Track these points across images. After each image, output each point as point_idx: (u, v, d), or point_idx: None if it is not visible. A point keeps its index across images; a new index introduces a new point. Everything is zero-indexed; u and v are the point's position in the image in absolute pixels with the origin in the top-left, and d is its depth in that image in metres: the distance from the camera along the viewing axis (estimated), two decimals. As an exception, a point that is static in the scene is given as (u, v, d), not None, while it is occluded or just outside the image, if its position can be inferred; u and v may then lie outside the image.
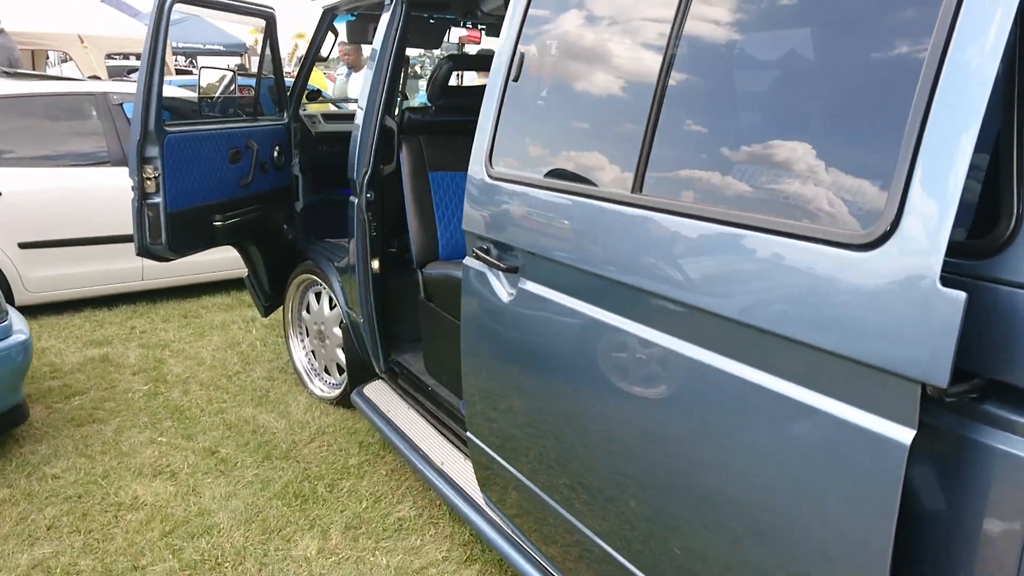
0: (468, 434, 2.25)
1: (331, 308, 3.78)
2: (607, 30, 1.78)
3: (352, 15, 4.05)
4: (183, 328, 4.91)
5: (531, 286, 1.85)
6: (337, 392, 3.77)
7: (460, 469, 2.66)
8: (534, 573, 2.11)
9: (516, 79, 1.96)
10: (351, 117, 5.25)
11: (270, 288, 4.22)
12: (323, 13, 3.90)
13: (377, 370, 3.38)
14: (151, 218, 3.26)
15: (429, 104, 3.41)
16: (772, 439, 1.25)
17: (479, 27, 4.52)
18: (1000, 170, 1.04)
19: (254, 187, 3.90)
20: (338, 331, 3.73)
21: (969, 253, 1.06)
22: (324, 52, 4.17)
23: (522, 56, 1.95)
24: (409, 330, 3.48)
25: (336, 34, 4.09)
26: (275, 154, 4.03)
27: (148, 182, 3.20)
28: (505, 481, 2.12)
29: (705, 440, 1.40)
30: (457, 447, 2.79)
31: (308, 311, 3.98)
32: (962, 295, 0.98)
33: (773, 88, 1.35)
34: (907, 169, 1.04)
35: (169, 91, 3.80)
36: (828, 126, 1.22)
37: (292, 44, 14.48)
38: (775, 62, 1.36)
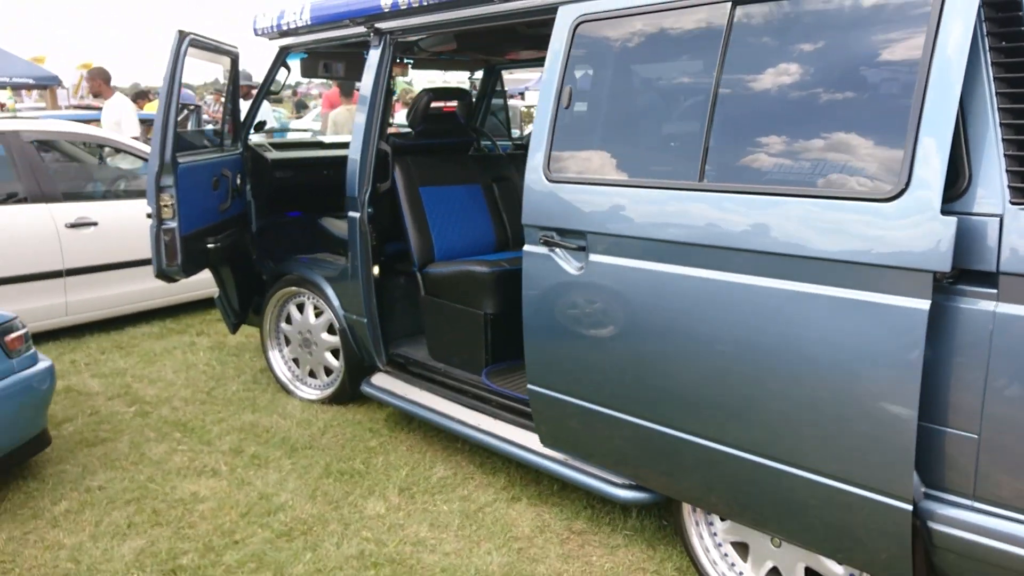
0: (530, 386, 2.83)
1: (316, 317, 4.18)
2: (646, 63, 2.47)
3: (304, 53, 4.47)
4: (127, 357, 5.01)
5: (598, 257, 2.50)
6: (330, 391, 4.16)
7: (495, 426, 3.22)
8: (583, 479, 2.75)
9: (567, 107, 2.60)
10: (301, 146, 5.63)
11: (239, 306, 4.52)
12: (279, 51, 4.30)
13: (379, 364, 3.84)
14: (167, 242, 3.54)
15: (409, 129, 3.94)
16: (842, 328, 1.97)
17: (406, 61, 5.09)
18: (959, 150, 1.84)
19: (229, 212, 4.23)
20: (326, 336, 4.14)
21: (946, 199, 1.85)
22: (276, 87, 4.56)
23: (571, 89, 2.60)
24: (400, 327, 3.97)
25: (289, 70, 4.50)
26: (238, 181, 4.36)
27: (165, 209, 3.48)
28: (565, 413, 2.71)
29: (759, 335, 2.10)
30: (481, 411, 3.33)
31: (289, 322, 4.34)
32: (954, 218, 1.76)
33: (813, 98, 2.09)
34: (911, 152, 1.82)
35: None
36: (860, 125, 1.98)
37: (77, 75, 14.00)
38: (816, 78, 2.09)
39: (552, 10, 2.73)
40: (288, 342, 4.40)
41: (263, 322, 4.44)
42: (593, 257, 2.51)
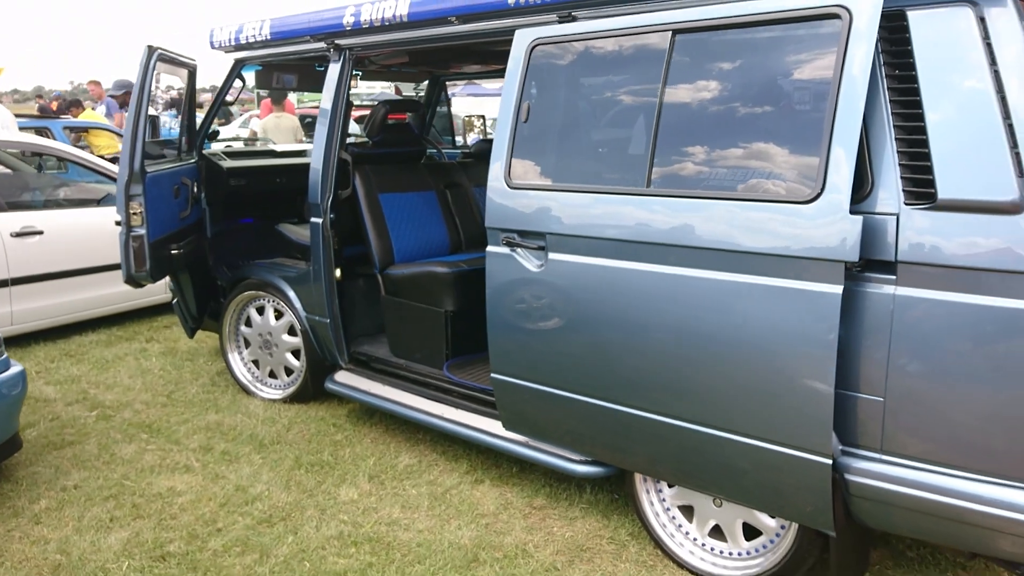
0: (494, 375, 3.09)
1: (277, 319, 4.35)
2: (596, 81, 2.78)
3: (259, 65, 4.63)
4: (79, 365, 5.05)
5: (557, 256, 2.78)
6: (292, 390, 4.33)
7: (458, 415, 3.47)
8: (544, 458, 3.03)
9: (526, 121, 2.89)
10: (254, 154, 5.76)
11: (197, 311, 4.64)
12: (234, 63, 4.46)
13: (342, 362, 4.04)
14: (136, 249, 3.67)
15: (367, 139, 4.17)
16: (770, 311, 2.30)
17: (355, 73, 5.29)
18: (863, 159, 2.20)
19: (188, 220, 4.36)
20: (287, 337, 4.31)
21: (853, 201, 2.20)
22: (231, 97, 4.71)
23: (528, 105, 2.89)
24: (360, 326, 4.19)
25: (244, 82, 4.66)
26: (195, 189, 4.49)
27: (134, 216, 3.61)
28: (526, 398, 2.99)
29: (700, 321, 2.43)
30: (444, 402, 3.58)
31: (249, 325, 4.49)
32: (861, 217, 2.11)
33: (744, 114, 2.42)
34: (825, 161, 2.17)
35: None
36: (784, 142, 2.32)
37: None
38: (745, 97, 2.42)
39: (509, 32, 3.01)
40: (248, 344, 4.54)
41: (222, 326, 4.57)
42: (552, 256, 2.80)
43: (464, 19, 3.21)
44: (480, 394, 3.44)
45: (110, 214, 5.62)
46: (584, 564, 2.82)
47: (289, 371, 4.38)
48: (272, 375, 4.48)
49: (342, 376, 4.01)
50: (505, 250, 2.94)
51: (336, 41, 3.77)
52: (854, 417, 2.29)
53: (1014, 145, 2.00)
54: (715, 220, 2.39)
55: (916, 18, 2.16)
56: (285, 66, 4.68)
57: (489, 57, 4.62)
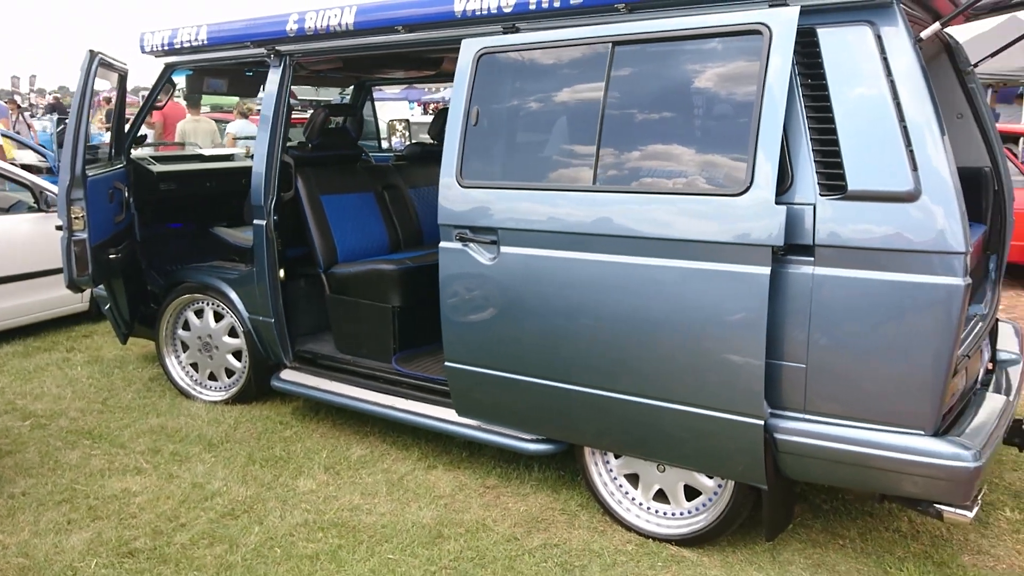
0: (448, 364, 3.27)
1: (216, 321, 4.38)
2: (542, 88, 3.02)
3: (190, 70, 4.65)
4: (-1, 376, 4.91)
5: (509, 249, 3.01)
6: (234, 391, 4.37)
7: (409, 405, 3.64)
8: (497, 439, 3.24)
9: (475, 124, 3.10)
10: (183, 159, 5.73)
11: (130, 316, 4.60)
12: (164, 67, 4.47)
13: (286, 360, 4.13)
14: (78, 253, 3.65)
15: (307, 142, 4.27)
16: (708, 291, 2.59)
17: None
18: (785, 158, 2.52)
19: (121, 224, 4.34)
20: (228, 339, 4.35)
21: (777, 193, 2.52)
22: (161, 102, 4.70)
23: (478, 110, 3.10)
24: (303, 325, 4.28)
25: (174, 86, 4.67)
26: (126, 194, 4.48)
27: (76, 220, 3.60)
28: (480, 384, 3.19)
29: (646, 303, 2.71)
30: (394, 394, 3.74)
31: (187, 329, 4.50)
32: (784, 207, 2.43)
33: (682, 117, 2.70)
34: (752, 159, 2.47)
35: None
36: (716, 143, 2.62)
37: None
38: (682, 102, 2.71)
39: (455, 42, 3.22)
40: (186, 348, 4.55)
41: (159, 330, 4.56)
42: (504, 249, 3.02)
43: (411, 28, 3.39)
44: (431, 384, 3.61)
45: (17, 222, 5.49)
46: (541, 533, 3.05)
47: (230, 373, 4.42)
48: (212, 377, 4.50)
49: (288, 374, 4.09)
50: (458, 245, 3.14)
51: (277, 47, 3.87)
52: (781, 383, 2.61)
53: (908, 143, 2.36)
54: (657, 213, 2.67)
55: (824, 34, 2.50)
56: (216, 71, 4.72)
57: (419, 64, 4.80)
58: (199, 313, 4.45)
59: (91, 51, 3.65)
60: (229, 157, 5.82)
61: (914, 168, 2.34)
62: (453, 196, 3.13)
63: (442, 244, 3.19)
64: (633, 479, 3.13)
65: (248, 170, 5.18)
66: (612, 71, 2.80)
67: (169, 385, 4.61)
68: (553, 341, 2.96)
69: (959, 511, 2.51)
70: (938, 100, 3.38)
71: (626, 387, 2.84)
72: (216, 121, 9.92)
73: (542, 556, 2.90)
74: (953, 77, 3.42)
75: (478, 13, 3.14)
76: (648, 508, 3.08)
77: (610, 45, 2.80)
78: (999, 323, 3.73)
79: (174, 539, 3.01)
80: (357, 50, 3.70)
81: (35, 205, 5.65)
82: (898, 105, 2.38)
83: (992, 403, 2.89)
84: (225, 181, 5.25)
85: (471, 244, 3.10)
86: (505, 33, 3.11)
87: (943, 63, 3.41)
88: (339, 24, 3.56)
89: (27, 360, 5.22)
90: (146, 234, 4.74)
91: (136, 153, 4.87)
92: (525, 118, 3.08)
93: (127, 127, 4.58)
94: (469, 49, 3.14)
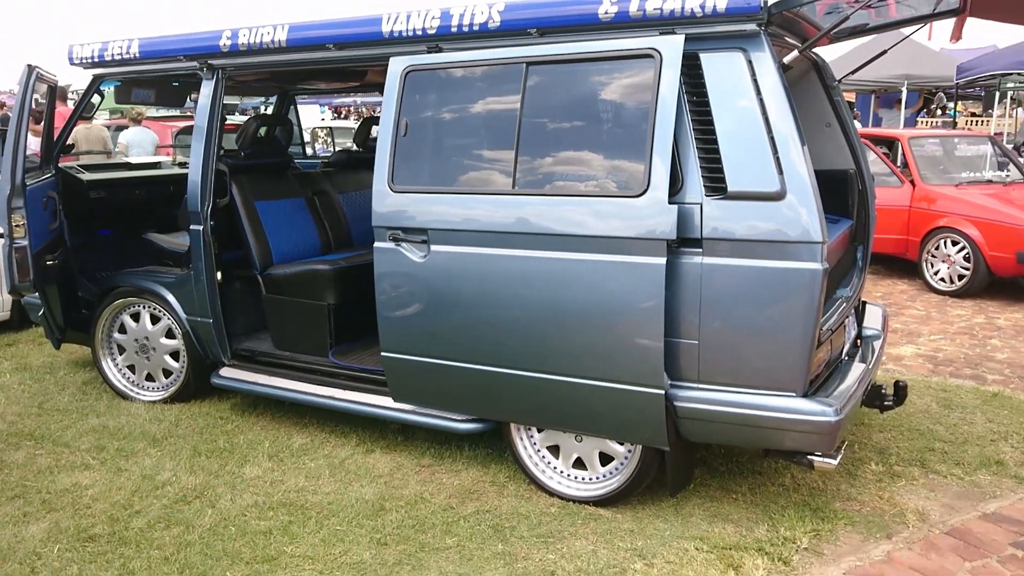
0: (384, 354, 3.57)
1: (153, 324, 4.55)
2: (464, 101, 3.36)
3: (118, 81, 4.79)
4: (-75, 386, 4.92)
5: (438, 247, 3.34)
6: (173, 390, 4.55)
7: (347, 395, 3.92)
8: (431, 421, 3.57)
9: (404, 135, 3.42)
10: (110, 167, 5.81)
11: (64, 322, 4.71)
12: (93, 78, 4.61)
13: (224, 359, 4.34)
14: (19, 260, 3.78)
15: (239, 151, 4.49)
16: (613, 280, 2.99)
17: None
18: (676, 164, 2.94)
19: (55, 231, 4.46)
20: (165, 340, 4.53)
21: (670, 194, 2.93)
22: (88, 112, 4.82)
23: (407, 122, 3.42)
24: (239, 324, 4.49)
25: (102, 96, 4.80)
26: (56, 202, 4.59)
27: (17, 228, 3.73)
28: (415, 370, 3.51)
29: (562, 292, 3.09)
30: (332, 385, 4.00)
31: (123, 332, 4.64)
32: (676, 206, 2.85)
33: (589, 129, 3.09)
34: (648, 165, 2.88)
35: None
36: (618, 151, 3.01)
37: None
38: (588, 115, 3.10)
39: (383, 59, 3.52)
40: (122, 351, 4.69)
41: (94, 334, 4.68)
42: (434, 247, 3.35)
43: (341, 47, 3.67)
44: (366, 374, 3.90)
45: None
46: (474, 502, 3.39)
47: (167, 373, 4.59)
48: (150, 378, 4.65)
49: (227, 372, 4.30)
50: (391, 245, 3.45)
51: (210, 61, 4.09)
52: (678, 357, 3.03)
53: (775, 151, 2.81)
54: (568, 212, 3.06)
55: (706, 58, 2.93)
56: (143, 82, 4.87)
57: (348, 76, 5.08)
58: (135, 316, 4.60)
59: (29, 65, 3.79)
60: (156, 165, 5.93)
61: (780, 172, 2.80)
62: (386, 200, 3.44)
63: (376, 244, 3.50)
64: (554, 450, 3.50)
65: (175, 177, 5.37)
66: (527, 87, 3.17)
67: (105, 388, 4.73)
68: (481, 329, 3.31)
69: (826, 460, 2.98)
70: (809, 111, 3.93)
71: (546, 367, 3.21)
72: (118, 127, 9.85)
73: (476, 521, 3.24)
74: (821, 91, 3.94)
75: (404, 34, 3.46)
76: (568, 475, 3.46)
77: (524, 65, 3.17)
78: (868, 305, 4.29)
79: (131, 524, 3.21)
80: (288, 65, 3.96)
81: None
82: (766, 118, 2.83)
83: (854, 371, 3.40)
84: (152, 188, 5.39)
85: (403, 244, 3.42)
86: (429, 52, 3.43)
87: (812, 79, 3.93)
88: (272, 41, 3.81)
89: (-48, 369, 5.22)
90: (76, 241, 4.85)
91: (64, 163, 4.97)
92: (450, 129, 3.42)
93: (55, 137, 4.69)
94: (397, 66, 3.45)
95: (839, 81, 4.01)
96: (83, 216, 4.88)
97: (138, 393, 4.64)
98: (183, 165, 5.93)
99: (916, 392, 4.60)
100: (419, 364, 3.50)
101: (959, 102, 18.28)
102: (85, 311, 4.81)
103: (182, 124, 9.43)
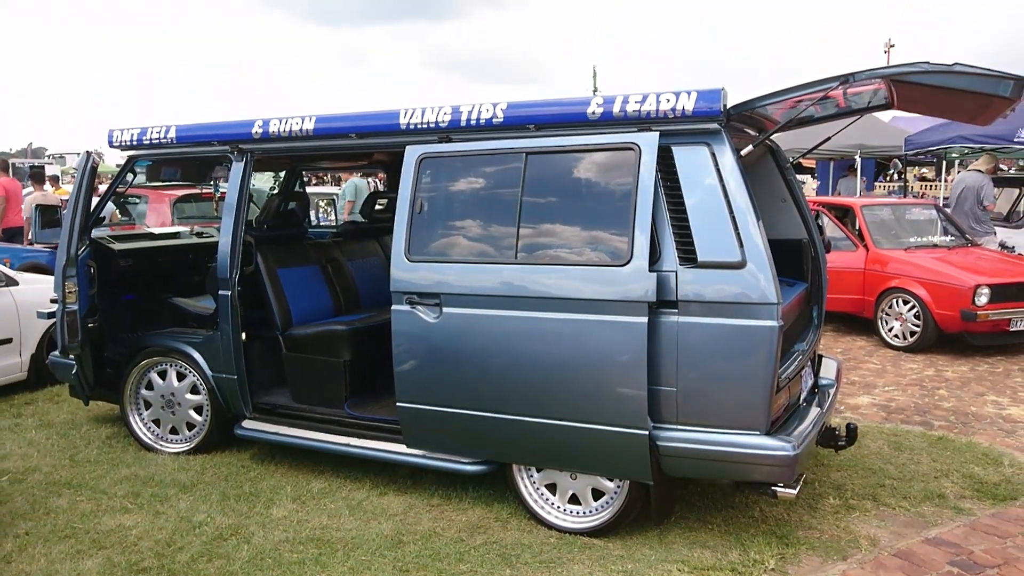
0: (400, 404, 4.03)
1: (179, 380, 4.97)
2: (472, 184, 3.91)
3: (150, 161, 5.30)
4: (-44, 442, 5.25)
5: (450, 310, 3.84)
6: (197, 441, 4.94)
7: (362, 443, 4.35)
8: (441, 464, 4.02)
9: (420, 212, 3.95)
10: (136, 237, 6.28)
11: (94, 380, 5.11)
12: (128, 159, 5.12)
13: (247, 412, 4.76)
14: (69, 323, 4.21)
15: (262, 223, 5.00)
16: (603, 337, 3.50)
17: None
18: (655, 238, 3.49)
19: (94, 297, 4.91)
20: (190, 396, 4.94)
21: (650, 264, 3.48)
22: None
23: (421, 201, 3.96)
24: (260, 380, 4.93)
25: (135, 174, 5.31)
26: (93, 270, 5.05)
27: (70, 295, 4.18)
28: (427, 419, 3.97)
29: (558, 347, 3.59)
30: (347, 434, 4.44)
31: (150, 388, 5.05)
32: (655, 274, 3.39)
33: (581, 209, 3.64)
34: (631, 240, 3.44)
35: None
36: (605, 227, 3.56)
37: None
38: (582, 197, 3.66)
39: (399, 147, 4.08)
40: (148, 406, 5.09)
41: (123, 391, 5.08)
42: (446, 310, 3.85)
43: (362, 136, 4.23)
44: (380, 423, 4.35)
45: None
46: (482, 535, 3.82)
47: (191, 426, 4.99)
48: (173, 431, 5.05)
49: (249, 423, 4.72)
50: (408, 307, 3.95)
51: (240, 146, 4.62)
52: (659, 402, 3.53)
53: (736, 227, 3.38)
54: (564, 279, 3.59)
55: (677, 151, 3.52)
56: (172, 161, 5.39)
57: (359, 158, 5.65)
58: (162, 374, 5.02)
59: (87, 152, 4.29)
60: (175, 235, 6.41)
61: (741, 245, 3.36)
62: (403, 268, 3.95)
63: (394, 307, 3.99)
64: (552, 487, 3.96)
65: (193, 247, 5.87)
66: (526, 173, 3.73)
67: (129, 441, 5.11)
68: (487, 380, 3.80)
69: (787, 490, 3.48)
70: (766, 188, 4.55)
71: (544, 413, 3.70)
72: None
73: (485, 550, 3.67)
74: (776, 172, 4.57)
75: (419, 126, 4.03)
76: (565, 509, 3.91)
77: (524, 154, 3.74)
78: (824, 358, 4.84)
79: (176, 558, 3.60)
80: (311, 151, 4.50)
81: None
82: (728, 200, 3.40)
83: (811, 414, 3.92)
84: (173, 256, 5.87)
85: (419, 306, 3.92)
86: (440, 142, 4.00)
87: (768, 162, 4.56)
88: (300, 130, 4.36)
89: (-22, 427, 5.56)
90: (104, 305, 5.28)
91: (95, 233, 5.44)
92: (459, 207, 3.97)
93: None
94: (412, 154, 4.01)
95: (803, 156, 4.64)
96: (111, 282, 5.33)
97: (163, 445, 5.02)
98: (200, 235, 6.43)
99: (870, 436, 5.13)
100: (431, 412, 3.96)
101: (916, 167, 19.38)
102: (109, 370, 5.22)
103: (181, 192, 9.93)
